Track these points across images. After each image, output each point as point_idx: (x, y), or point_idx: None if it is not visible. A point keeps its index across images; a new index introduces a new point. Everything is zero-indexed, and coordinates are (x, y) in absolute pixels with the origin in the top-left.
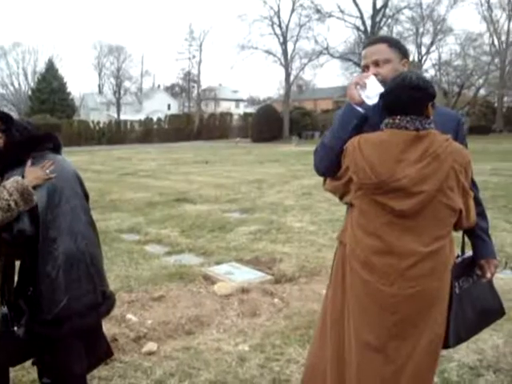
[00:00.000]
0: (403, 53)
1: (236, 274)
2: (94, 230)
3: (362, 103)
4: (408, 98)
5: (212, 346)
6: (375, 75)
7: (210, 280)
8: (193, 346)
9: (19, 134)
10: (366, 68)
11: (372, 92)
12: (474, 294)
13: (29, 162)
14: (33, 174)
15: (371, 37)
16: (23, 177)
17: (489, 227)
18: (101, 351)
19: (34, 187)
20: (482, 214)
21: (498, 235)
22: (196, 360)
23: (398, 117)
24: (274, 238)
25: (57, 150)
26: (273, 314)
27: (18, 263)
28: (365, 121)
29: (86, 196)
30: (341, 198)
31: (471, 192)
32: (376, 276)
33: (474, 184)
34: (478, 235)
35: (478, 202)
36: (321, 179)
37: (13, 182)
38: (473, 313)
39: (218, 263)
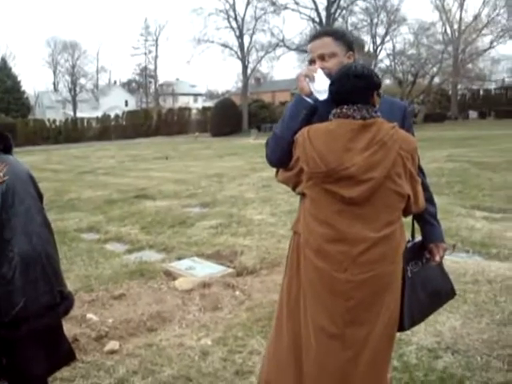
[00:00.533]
0: (348, 45)
1: (197, 269)
2: (50, 230)
3: (311, 94)
4: (352, 86)
5: (174, 342)
6: (322, 69)
7: (171, 276)
8: (155, 342)
9: None
10: (312, 62)
11: (321, 86)
12: (424, 277)
13: None
14: None
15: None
16: None
17: (437, 212)
18: (62, 353)
19: None
20: (430, 199)
21: (453, 220)
22: (159, 356)
23: (345, 106)
24: (235, 232)
25: (8, 150)
26: (234, 306)
27: None
28: (314, 111)
29: (40, 196)
30: (294, 189)
31: (418, 178)
32: (329, 263)
33: (421, 170)
34: (426, 220)
35: (425, 188)
36: None
37: None
38: (425, 295)
39: (179, 259)
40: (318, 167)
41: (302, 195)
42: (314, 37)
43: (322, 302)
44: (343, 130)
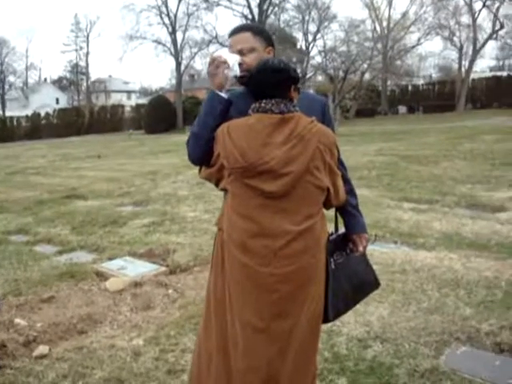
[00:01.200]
0: (267, 41)
1: (129, 269)
2: None
3: (223, 87)
4: (270, 80)
5: (105, 344)
6: (240, 64)
7: (102, 276)
8: (85, 345)
9: None
10: None
11: (231, 61)
12: (348, 268)
13: None
14: None
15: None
16: None
17: (358, 203)
18: None
19: None
20: (351, 191)
21: (382, 212)
22: (89, 359)
23: (264, 101)
24: (168, 229)
25: None
26: (167, 305)
27: None
28: (229, 105)
29: None
30: (216, 185)
31: (338, 171)
32: (253, 258)
33: (341, 163)
34: (348, 212)
35: (346, 181)
36: None
37: None
38: (349, 286)
39: (110, 259)
40: (238, 162)
41: (225, 191)
42: (234, 32)
43: (247, 297)
44: (262, 124)
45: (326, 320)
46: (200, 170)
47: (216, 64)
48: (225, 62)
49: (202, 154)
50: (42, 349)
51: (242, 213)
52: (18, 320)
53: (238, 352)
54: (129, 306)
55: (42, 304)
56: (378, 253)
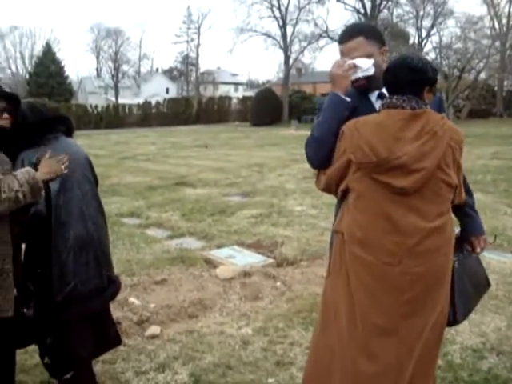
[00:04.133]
0: (380, 40)
1: (238, 258)
2: (103, 216)
3: (347, 91)
4: (405, 78)
5: (215, 330)
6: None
7: (211, 264)
8: (196, 329)
9: (32, 115)
10: None
11: (365, 65)
12: (469, 268)
13: (47, 154)
14: (47, 167)
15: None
16: (37, 163)
17: (474, 203)
18: (109, 337)
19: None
20: (468, 191)
21: (500, 218)
22: (199, 343)
23: (395, 96)
24: (275, 222)
25: (69, 133)
26: (275, 297)
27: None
28: (353, 111)
29: (96, 181)
30: (337, 187)
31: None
32: (381, 256)
33: None
34: (466, 212)
35: (463, 180)
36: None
37: (25, 173)
38: (470, 286)
39: (219, 247)
40: (368, 157)
41: (345, 194)
42: (344, 38)
43: (374, 298)
44: (392, 119)
45: (454, 322)
46: (317, 179)
47: (347, 68)
48: (355, 67)
49: (324, 158)
50: (154, 329)
51: (371, 210)
52: (132, 299)
53: (363, 356)
54: (238, 295)
55: (155, 286)
56: (496, 262)
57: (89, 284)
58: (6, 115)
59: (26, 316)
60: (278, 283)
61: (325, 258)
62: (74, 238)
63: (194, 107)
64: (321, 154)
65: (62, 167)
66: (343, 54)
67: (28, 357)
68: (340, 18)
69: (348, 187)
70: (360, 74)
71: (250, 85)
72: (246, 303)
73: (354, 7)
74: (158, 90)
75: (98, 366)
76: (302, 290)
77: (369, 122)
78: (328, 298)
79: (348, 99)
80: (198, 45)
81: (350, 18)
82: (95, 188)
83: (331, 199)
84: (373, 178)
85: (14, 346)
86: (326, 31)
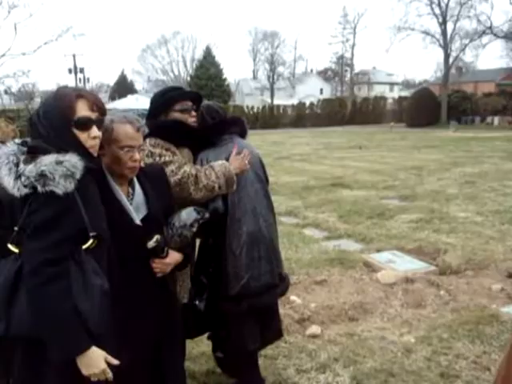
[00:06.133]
0: None
1: (398, 263)
2: (273, 214)
3: None
4: None
5: (376, 335)
6: None
7: (370, 267)
8: (356, 332)
9: (211, 117)
10: None
11: None
12: None
13: (234, 151)
14: (237, 162)
15: None
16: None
17: None
18: (274, 332)
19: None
20: None
21: None
22: (360, 347)
23: None
24: (437, 228)
25: (243, 134)
26: (439, 306)
27: None
28: None
29: (267, 180)
30: None
31: None
32: None
33: None
34: None
35: None
36: (485, 167)
37: (221, 165)
38: None
39: (378, 251)
40: None
41: None
42: None
43: None
44: None
45: None
46: None
47: None
48: None
49: None
50: (315, 329)
51: None
52: (293, 297)
53: None
54: (400, 301)
55: (315, 285)
56: None
57: (260, 279)
58: (194, 113)
59: (197, 308)
60: (442, 292)
61: (491, 269)
62: (247, 234)
63: (347, 108)
64: None
65: (246, 162)
66: None
67: (194, 345)
68: (504, 12)
69: None
70: None
71: (406, 85)
72: (407, 310)
73: None
74: (312, 91)
75: (260, 361)
76: (467, 301)
77: None
78: None
79: None
80: (354, 45)
81: None
82: (266, 186)
83: (498, 206)
84: None
85: (186, 335)
86: (490, 27)
